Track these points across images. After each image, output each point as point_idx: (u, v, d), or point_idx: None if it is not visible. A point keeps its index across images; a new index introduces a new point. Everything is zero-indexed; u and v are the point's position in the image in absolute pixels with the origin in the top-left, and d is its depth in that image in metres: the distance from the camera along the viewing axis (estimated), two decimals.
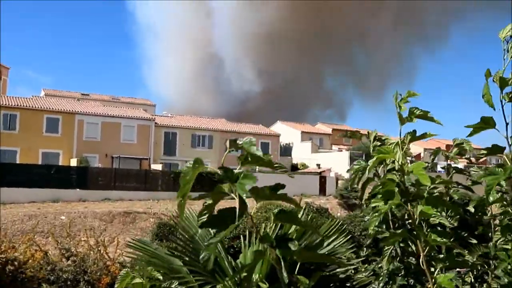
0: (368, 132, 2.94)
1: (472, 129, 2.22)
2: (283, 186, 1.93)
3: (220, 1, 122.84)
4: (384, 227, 4.07)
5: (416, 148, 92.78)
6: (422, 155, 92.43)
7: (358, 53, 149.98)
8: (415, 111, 2.20)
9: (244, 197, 1.77)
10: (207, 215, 1.82)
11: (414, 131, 2.31)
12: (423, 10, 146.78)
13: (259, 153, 1.81)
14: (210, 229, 1.87)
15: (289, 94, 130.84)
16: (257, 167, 1.93)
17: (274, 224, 3.69)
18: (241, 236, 4.13)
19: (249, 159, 1.87)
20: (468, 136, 2.32)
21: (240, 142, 1.86)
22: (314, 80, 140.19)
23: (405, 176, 2.21)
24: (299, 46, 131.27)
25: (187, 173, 1.76)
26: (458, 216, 2.98)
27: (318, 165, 66.37)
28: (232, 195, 1.81)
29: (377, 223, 2.10)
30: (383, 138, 2.73)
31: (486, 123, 2.15)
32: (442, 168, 3.40)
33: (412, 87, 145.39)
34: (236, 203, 1.80)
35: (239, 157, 1.86)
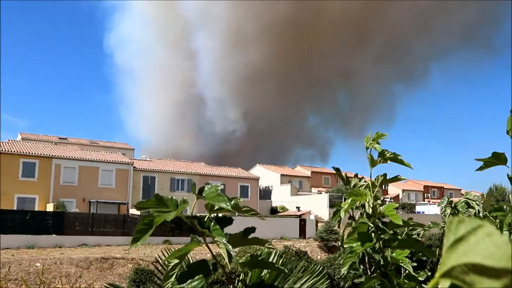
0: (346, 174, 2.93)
1: (483, 163, 2.21)
2: (253, 230, 1.89)
3: (203, 43, 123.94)
4: (361, 270, 4.04)
5: (394, 189, 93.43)
6: (400, 196, 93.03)
7: (340, 92, 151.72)
8: (385, 154, 2.20)
9: (225, 242, 1.72)
10: (176, 270, 1.76)
11: (385, 174, 2.31)
12: (406, 50, 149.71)
13: (223, 204, 1.73)
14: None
15: (271, 134, 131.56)
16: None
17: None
18: (220, 281, 4.04)
19: (216, 207, 1.80)
20: (478, 170, 2.30)
21: (206, 189, 1.80)
22: (296, 120, 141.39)
23: (377, 219, 2.20)
24: (282, 86, 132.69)
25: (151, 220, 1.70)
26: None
27: (298, 207, 66.24)
28: (204, 245, 1.76)
29: (350, 264, 2.06)
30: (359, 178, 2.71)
31: (498, 158, 2.14)
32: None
33: (391, 128, 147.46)
34: (206, 251, 1.75)
35: (206, 205, 1.81)
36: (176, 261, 1.75)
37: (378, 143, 2.19)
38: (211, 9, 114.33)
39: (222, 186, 1.87)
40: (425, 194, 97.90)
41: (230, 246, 1.70)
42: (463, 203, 3.31)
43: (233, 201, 1.78)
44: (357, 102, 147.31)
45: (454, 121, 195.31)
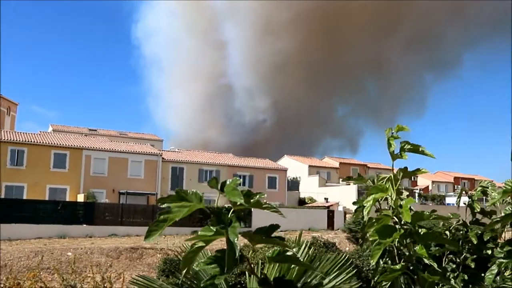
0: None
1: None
2: (277, 227, 1.87)
3: (232, 33, 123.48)
4: (390, 262, 4.01)
5: (423, 180, 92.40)
6: (430, 187, 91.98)
7: (370, 81, 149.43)
8: (405, 146, 2.18)
9: (236, 241, 1.70)
10: (192, 261, 1.73)
11: (406, 168, 2.29)
12: (438, 38, 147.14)
13: (237, 198, 1.70)
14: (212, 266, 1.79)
15: (300, 124, 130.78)
16: (265, 196, 1.87)
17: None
18: (246, 272, 4.04)
19: (239, 203, 1.77)
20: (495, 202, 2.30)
21: (227, 184, 1.77)
22: (326, 109, 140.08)
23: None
24: (312, 75, 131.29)
25: (175, 212, 1.70)
26: (474, 256, 2.94)
27: (326, 199, 66.09)
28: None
29: (379, 256, 2.05)
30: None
31: None
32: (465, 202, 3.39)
33: (422, 117, 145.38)
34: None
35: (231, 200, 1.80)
36: (202, 244, 1.72)
37: (398, 137, 2.18)
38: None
39: (240, 180, 1.85)
40: (455, 186, 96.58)
41: (238, 248, 1.67)
42: (479, 192, 3.27)
43: (257, 196, 1.77)
44: (388, 92, 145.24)
45: (486, 112, 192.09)
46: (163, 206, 1.72)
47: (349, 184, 71.83)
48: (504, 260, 2.57)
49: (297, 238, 3.78)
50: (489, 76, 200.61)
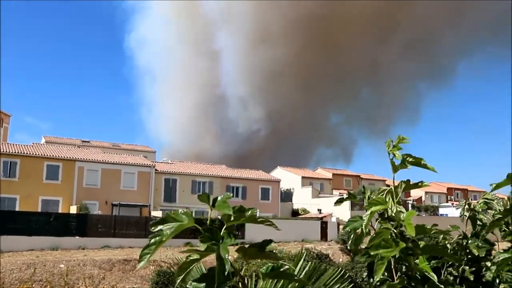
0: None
1: (495, 184, 2.22)
2: (270, 242, 1.89)
3: (225, 42, 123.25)
4: (386, 274, 4.01)
5: (417, 191, 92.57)
6: (423, 198, 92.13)
7: (365, 90, 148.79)
8: (407, 159, 2.19)
9: (227, 257, 1.72)
10: (187, 270, 1.77)
11: (408, 180, 2.29)
12: (433, 46, 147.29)
13: (227, 210, 1.76)
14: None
15: (294, 133, 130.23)
16: (257, 212, 1.89)
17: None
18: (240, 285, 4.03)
19: (232, 218, 1.82)
20: (491, 190, 2.31)
21: (219, 199, 1.81)
22: (320, 118, 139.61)
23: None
24: (306, 83, 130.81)
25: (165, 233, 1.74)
26: (473, 269, 2.94)
27: (319, 210, 66.05)
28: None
29: (383, 271, 2.04)
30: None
31: None
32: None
33: (416, 127, 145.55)
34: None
35: (223, 216, 1.83)
36: (196, 256, 1.77)
37: (400, 148, 2.19)
38: (233, 7, 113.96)
39: (231, 194, 1.89)
40: (448, 196, 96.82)
41: (228, 265, 1.69)
42: (482, 204, 3.27)
43: (249, 212, 1.80)
44: (382, 100, 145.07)
45: (480, 122, 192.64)
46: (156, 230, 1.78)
47: (342, 195, 71.81)
48: (506, 255, 2.53)
49: (299, 252, 3.81)
50: (483, 86, 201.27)
